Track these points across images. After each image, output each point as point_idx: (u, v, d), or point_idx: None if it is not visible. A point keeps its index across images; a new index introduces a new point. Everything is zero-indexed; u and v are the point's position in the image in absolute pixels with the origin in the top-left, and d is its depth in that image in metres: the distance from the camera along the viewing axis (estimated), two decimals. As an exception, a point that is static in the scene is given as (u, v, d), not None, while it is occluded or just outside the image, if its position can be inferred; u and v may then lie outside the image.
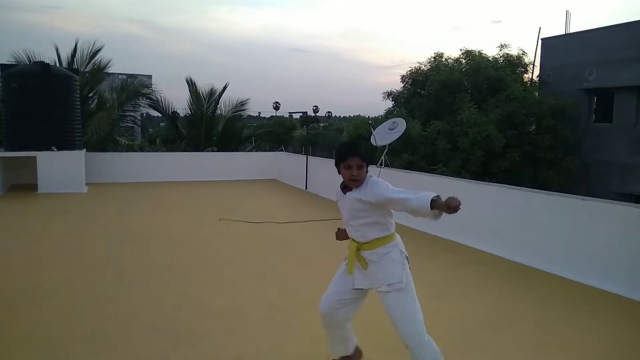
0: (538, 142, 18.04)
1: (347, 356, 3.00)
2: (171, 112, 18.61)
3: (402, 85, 22.53)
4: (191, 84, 18.20)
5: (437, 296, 4.57)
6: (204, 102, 18.26)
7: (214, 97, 18.46)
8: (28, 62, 13.93)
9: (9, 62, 12.84)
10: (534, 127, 19.28)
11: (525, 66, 21.04)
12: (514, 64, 20.55)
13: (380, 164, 8.73)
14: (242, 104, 18.95)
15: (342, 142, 3.15)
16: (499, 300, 4.52)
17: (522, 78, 20.74)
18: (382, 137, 9.01)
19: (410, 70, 22.20)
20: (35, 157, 10.23)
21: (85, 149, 11.70)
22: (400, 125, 8.98)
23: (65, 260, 5.53)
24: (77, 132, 11.46)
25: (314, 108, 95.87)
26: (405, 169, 11.72)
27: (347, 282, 2.86)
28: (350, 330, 2.99)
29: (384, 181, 2.77)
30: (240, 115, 19.60)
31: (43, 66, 10.98)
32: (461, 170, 17.44)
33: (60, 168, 10.42)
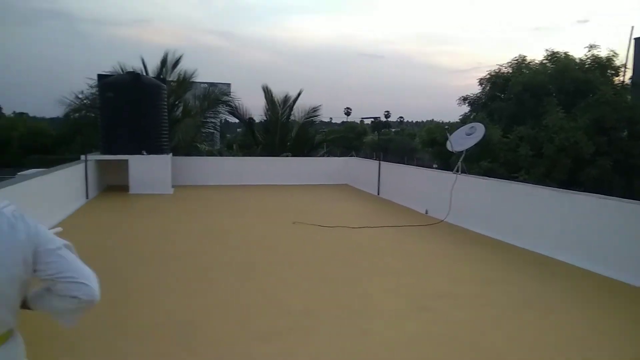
0: (631, 149, 16.61)
1: None
2: (248, 119, 19.34)
3: (480, 89, 21.71)
4: (267, 92, 18.80)
5: (519, 308, 4.36)
6: (278, 108, 18.78)
7: (288, 103, 18.94)
8: (121, 72, 15.14)
9: (106, 73, 14.01)
10: (626, 132, 17.78)
11: (616, 68, 19.49)
12: (603, 66, 19.10)
13: (457, 170, 8.49)
14: (314, 110, 19.27)
15: None
16: (588, 316, 4.22)
17: (612, 81, 19.22)
18: (459, 142, 8.77)
19: (489, 73, 21.34)
20: (127, 160, 11.07)
21: (171, 154, 12.47)
22: (479, 130, 8.70)
23: (154, 256, 5.92)
24: (164, 137, 12.25)
25: (386, 113, 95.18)
26: (484, 175, 11.27)
27: None
28: None
29: None
30: (313, 121, 19.95)
31: (135, 76, 11.87)
32: (545, 178, 16.46)
33: (149, 171, 11.19)
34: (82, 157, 10.37)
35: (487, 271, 5.59)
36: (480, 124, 8.94)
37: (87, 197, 9.99)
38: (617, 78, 19.62)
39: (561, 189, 6.77)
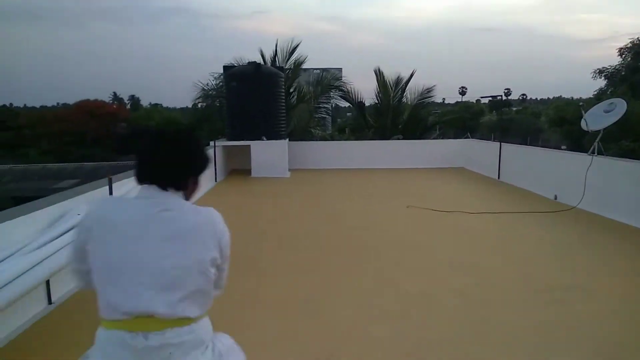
0: None
1: None
2: (359, 102, 19.41)
3: (621, 59, 19.25)
4: (379, 74, 18.64)
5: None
6: (390, 91, 18.55)
7: (400, 85, 18.60)
8: (242, 63, 16.10)
9: (230, 64, 15.01)
10: None
11: None
12: None
13: (593, 152, 7.68)
14: (428, 90, 18.68)
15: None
16: None
17: None
18: (596, 120, 7.91)
19: (631, 42, 18.80)
20: (249, 146, 11.84)
21: (288, 139, 13.05)
22: (620, 106, 7.75)
23: (276, 234, 6.31)
24: (282, 123, 12.85)
25: (506, 91, 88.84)
26: (623, 157, 10.06)
27: None
28: None
29: None
30: (426, 103, 19.37)
31: (255, 66, 12.55)
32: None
33: (268, 155, 11.86)
34: (211, 143, 11.31)
35: (628, 263, 5.02)
36: (622, 100, 7.95)
37: (215, 180, 10.90)
38: None
39: None
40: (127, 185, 5.60)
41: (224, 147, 12.10)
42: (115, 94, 70.59)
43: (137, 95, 73.37)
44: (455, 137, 21.51)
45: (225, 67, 13.45)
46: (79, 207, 4.47)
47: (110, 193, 4.34)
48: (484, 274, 4.66)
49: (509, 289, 4.27)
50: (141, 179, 1.63)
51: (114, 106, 47.42)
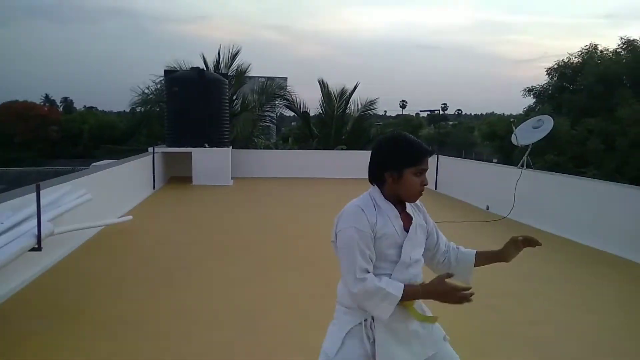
0: None
1: None
2: (303, 112, 19.51)
3: (548, 79, 20.68)
4: (323, 85, 18.87)
5: (592, 310, 4.15)
6: (335, 102, 18.81)
7: (344, 97, 18.92)
8: (179, 69, 15.72)
9: (171, 69, 14.60)
10: None
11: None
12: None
13: (522, 165, 8.15)
14: (371, 103, 19.15)
15: (394, 135, 1.88)
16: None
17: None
18: (525, 136, 8.39)
19: (557, 63, 20.27)
20: (191, 152, 11.52)
21: (231, 146, 12.83)
22: (547, 123, 8.28)
23: (215, 245, 6.15)
24: (225, 131, 12.63)
25: (443, 106, 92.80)
26: (549, 170, 10.76)
27: None
28: None
29: None
30: (368, 115, 19.81)
31: (199, 72, 12.29)
32: (616, 174, 15.47)
33: (211, 163, 11.59)
34: (150, 149, 10.90)
35: (555, 270, 5.34)
36: (549, 117, 8.51)
37: (153, 187, 10.50)
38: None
39: (635, 186, 6.33)
40: (57, 192, 5.25)
41: (164, 153, 11.70)
42: (47, 95, 66.54)
43: (70, 98, 69.57)
44: (397, 148, 22.06)
45: (166, 72, 13.07)
46: (3, 215, 4.13)
47: (38, 201, 4.03)
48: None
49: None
50: None
51: (45, 108, 44.63)
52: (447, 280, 1.75)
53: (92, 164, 9.60)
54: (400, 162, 1.79)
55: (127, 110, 21.79)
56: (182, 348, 3.30)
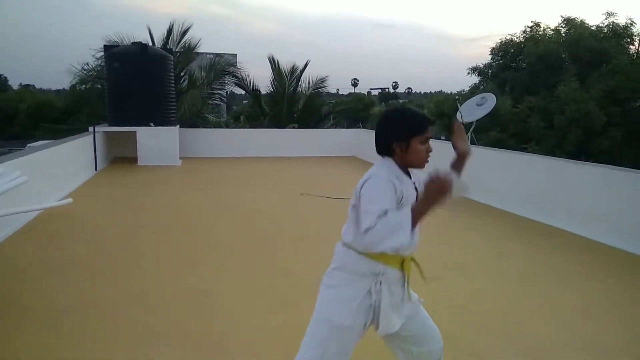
0: (645, 120, 16.38)
1: None
2: (254, 90, 19.16)
3: (491, 58, 21.33)
4: (273, 62, 18.54)
5: (528, 279, 4.38)
6: (285, 79, 18.57)
7: (295, 74, 18.71)
8: (126, 43, 14.97)
9: (112, 43, 13.85)
10: (640, 103, 17.49)
11: (632, 36, 19.00)
12: (619, 35, 18.62)
13: (467, 142, 8.40)
14: (322, 80, 19.05)
15: (398, 109, 2.08)
16: (596, 287, 4.23)
17: (628, 50, 18.76)
18: (469, 113, 8.61)
19: (501, 42, 20.92)
20: (135, 132, 11.06)
21: (178, 125, 12.43)
22: (490, 100, 8.51)
23: (164, 227, 5.98)
24: (172, 109, 12.20)
25: (394, 84, 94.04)
26: (492, 147, 11.18)
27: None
28: None
29: None
30: (320, 93, 19.74)
31: (141, 46, 11.72)
32: (555, 149, 16.33)
33: (157, 142, 11.19)
34: (90, 128, 10.37)
35: (496, 242, 5.60)
36: (492, 94, 8.71)
37: (95, 168, 10.04)
38: (632, 47, 19.17)
39: (571, 160, 6.70)
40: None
41: (106, 133, 11.18)
42: (-22, 73, 61.55)
43: (4, 75, 64.78)
44: (348, 127, 22.23)
45: (106, 46, 12.40)
46: None
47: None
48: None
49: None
50: None
51: (-26, 86, 41.35)
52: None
53: (28, 145, 9.04)
54: (407, 132, 1.90)
55: (67, 88, 20.52)
56: (129, 333, 3.20)
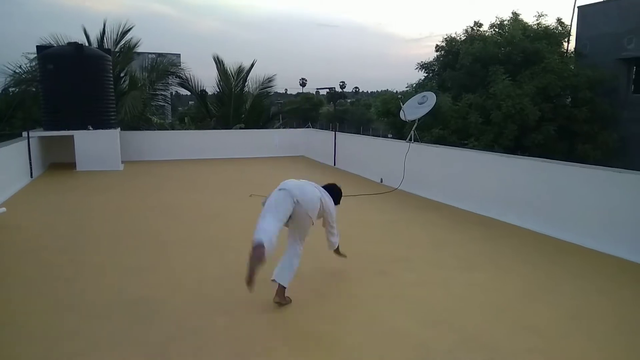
0: (574, 116, 17.48)
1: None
2: (200, 91, 18.81)
3: (437, 54, 22.01)
4: (219, 62, 18.29)
5: (469, 269, 4.59)
6: (232, 79, 18.36)
7: (242, 74, 18.54)
8: (61, 44, 14.27)
9: (45, 44, 13.15)
10: (570, 99, 18.65)
11: (562, 36, 20.24)
12: (549, 35, 19.78)
13: (410, 139, 8.67)
14: (269, 80, 18.98)
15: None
16: (532, 273, 4.51)
17: (558, 49, 19.96)
18: (412, 111, 8.93)
19: (445, 39, 21.60)
20: (72, 136, 10.57)
21: (119, 128, 12.00)
22: (430, 99, 8.88)
23: (106, 234, 5.77)
24: (111, 111, 11.75)
25: (341, 84, 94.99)
26: (435, 143, 11.58)
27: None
28: None
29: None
30: (268, 92, 19.66)
31: (77, 47, 11.22)
32: (494, 144, 17.11)
33: (96, 146, 10.76)
34: (24, 133, 9.82)
35: (439, 235, 5.83)
36: (432, 93, 9.12)
37: (31, 176, 9.52)
38: (562, 46, 20.39)
39: (505, 154, 7.08)
40: None
41: (41, 138, 10.63)
42: None
43: None
44: (298, 126, 22.29)
45: (39, 47, 11.76)
46: None
47: None
48: (319, 255, 4.92)
49: (342, 265, 4.58)
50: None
51: None
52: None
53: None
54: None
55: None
56: (67, 344, 3.09)
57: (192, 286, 4.12)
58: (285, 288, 3.61)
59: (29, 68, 15.68)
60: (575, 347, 3.12)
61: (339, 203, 4.26)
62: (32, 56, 15.01)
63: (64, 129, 10.57)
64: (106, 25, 16.02)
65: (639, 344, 3.18)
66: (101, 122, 11.11)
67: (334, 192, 4.17)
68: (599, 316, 3.59)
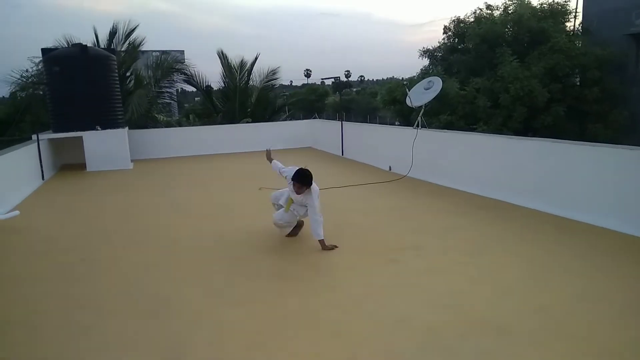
0: (584, 96, 17.20)
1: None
2: (205, 86, 18.83)
3: (442, 39, 21.68)
4: (222, 57, 18.28)
5: (478, 252, 4.57)
6: (236, 74, 18.35)
7: (245, 68, 18.51)
8: (67, 45, 14.36)
9: (50, 47, 13.22)
10: (578, 79, 18.35)
11: (568, 14, 19.85)
12: (556, 13, 19.41)
13: (417, 126, 8.61)
14: (273, 72, 18.93)
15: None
16: (541, 254, 4.48)
17: (565, 28, 19.60)
18: (418, 97, 8.85)
19: (453, 21, 21.23)
20: (81, 137, 10.67)
21: (127, 127, 12.08)
22: (436, 84, 8.78)
23: (117, 233, 5.84)
24: (118, 110, 11.82)
25: (346, 73, 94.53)
26: (443, 129, 11.48)
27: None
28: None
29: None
30: (273, 85, 19.62)
31: (81, 48, 11.27)
32: (503, 127, 16.93)
33: (105, 146, 10.84)
34: (33, 136, 9.93)
35: (448, 220, 5.80)
36: (438, 78, 9.02)
37: (42, 178, 9.63)
38: (569, 24, 20.01)
39: (513, 136, 7.00)
40: None
41: (51, 140, 10.74)
42: None
43: None
44: (304, 118, 22.23)
45: (44, 50, 11.83)
46: None
47: None
48: (334, 245, 4.94)
49: (353, 255, 4.60)
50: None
51: None
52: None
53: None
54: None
55: (7, 96, 19.44)
56: (82, 341, 3.14)
57: (204, 280, 4.16)
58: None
59: (35, 72, 15.80)
60: (584, 328, 3.10)
61: (308, 184, 4.66)
62: (37, 59, 15.14)
63: (73, 131, 10.66)
64: (115, 26, 16.08)
65: (653, 322, 3.15)
66: (109, 122, 11.19)
67: (298, 175, 4.64)
68: (608, 295, 3.56)
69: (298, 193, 4.70)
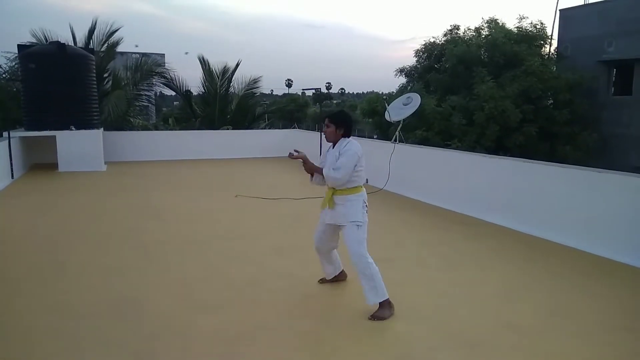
0: (555, 117, 17.77)
1: (336, 275, 4.12)
2: (185, 91, 18.67)
3: (416, 60, 22.21)
4: (204, 62, 18.19)
5: (451, 268, 4.66)
6: (217, 80, 18.27)
7: (227, 75, 18.44)
8: (44, 42, 14.06)
9: (27, 43, 12.94)
10: (551, 101, 18.95)
11: (543, 39, 20.56)
12: (531, 37, 20.08)
13: (395, 140, 8.73)
14: (255, 81, 18.93)
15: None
16: (513, 271, 4.59)
17: (539, 52, 20.27)
18: (397, 112, 8.99)
19: (425, 44, 21.86)
20: (54, 136, 10.43)
21: (102, 128, 11.87)
22: (415, 100, 8.95)
23: (89, 235, 5.72)
24: (94, 111, 11.61)
25: (327, 85, 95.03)
26: (419, 144, 11.68)
27: (322, 219, 3.94)
28: (336, 258, 4.10)
29: (353, 148, 3.75)
30: (254, 93, 19.59)
31: (59, 46, 11.07)
32: (476, 145, 17.30)
33: (79, 147, 10.63)
34: (5, 134, 9.66)
35: (423, 235, 5.89)
36: (417, 94, 9.19)
37: (12, 176, 9.37)
38: (544, 49, 20.71)
39: (487, 155, 7.18)
40: None
41: (22, 138, 10.46)
42: None
43: None
44: (284, 127, 22.24)
45: (20, 47, 11.57)
46: None
47: None
48: (307, 255, 4.95)
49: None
50: None
51: None
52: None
53: None
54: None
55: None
56: (49, 344, 3.06)
57: (176, 286, 4.11)
58: (379, 303, 3.52)
59: (9, 68, 15.40)
60: (555, 344, 3.19)
61: (342, 124, 3.77)
62: (12, 55, 14.76)
63: (46, 129, 10.42)
64: (95, 24, 15.82)
65: (617, 340, 3.27)
66: (84, 123, 10.98)
67: (333, 113, 3.97)
68: (578, 313, 3.68)
69: (328, 140, 3.79)
